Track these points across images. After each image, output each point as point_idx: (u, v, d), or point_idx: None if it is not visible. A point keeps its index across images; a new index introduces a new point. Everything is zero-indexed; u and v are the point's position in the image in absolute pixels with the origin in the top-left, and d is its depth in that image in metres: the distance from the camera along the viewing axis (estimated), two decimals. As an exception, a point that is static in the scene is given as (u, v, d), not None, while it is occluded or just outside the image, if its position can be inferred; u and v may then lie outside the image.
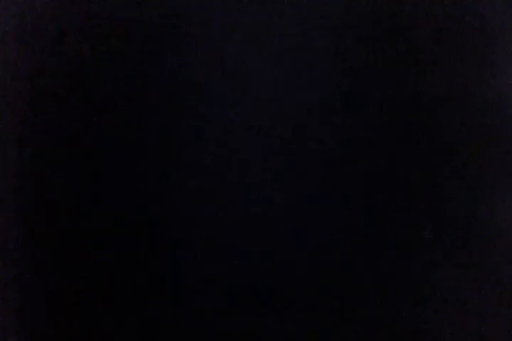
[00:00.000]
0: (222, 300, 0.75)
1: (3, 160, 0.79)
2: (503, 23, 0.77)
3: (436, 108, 0.76)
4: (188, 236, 0.75)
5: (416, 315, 0.75)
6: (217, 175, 0.76)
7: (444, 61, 0.77)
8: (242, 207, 0.75)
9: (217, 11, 0.76)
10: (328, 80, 0.76)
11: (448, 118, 0.76)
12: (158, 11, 0.77)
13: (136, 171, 0.76)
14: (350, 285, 0.75)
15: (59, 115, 0.78)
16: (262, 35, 0.76)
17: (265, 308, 0.75)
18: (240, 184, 0.75)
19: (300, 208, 0.75)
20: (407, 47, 0.76)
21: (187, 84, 0.76)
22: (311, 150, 0.75)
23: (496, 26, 0.77)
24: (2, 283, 0.78)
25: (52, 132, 0.78)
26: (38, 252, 0.78)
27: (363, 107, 0.76)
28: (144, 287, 0.76)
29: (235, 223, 0.75)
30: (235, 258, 0.75)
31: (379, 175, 0.75)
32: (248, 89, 0.76)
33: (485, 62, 0.77)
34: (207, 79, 0.76)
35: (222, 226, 0.75)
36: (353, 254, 0.75)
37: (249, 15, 0.76)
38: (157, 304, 0.75)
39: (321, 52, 0.76)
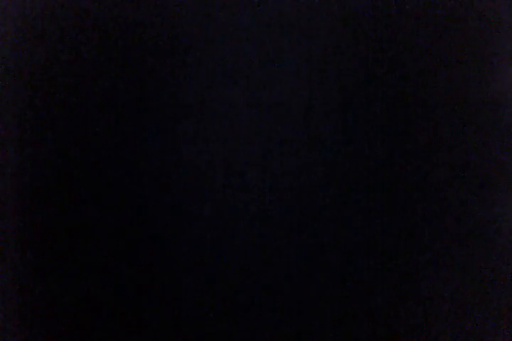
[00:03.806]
0: (221, 300, 0.75)
1: (3, 160, 0.79)
2: (503, 23, 0.78)
3: (436, 108, 0.76)
4: (187, 237, 0.76)
5: (415, 315, 0.75)
6: (216, 175, 0.76)
7: (445, 61, 0.77)
8: (241, 206, 0.75)
9: (217, 11, 0.76)
10: (328, 80, 0.76)
11: (448, 118, 0.76)
12: (158, 10, 0.77)
13: (136, 171, 0.76)
14: (349, 285, 0.75)
15: (59, 115, 0.78)
16: (262, 35, 0.76)
17: (265, 309, 0.75)
18: (239, 184, 0.75)
19: (299, 208, 0.75)
20: (407, 47, 0.76)
21: (187, 84, 0.76)
22: (311, 150, 0.75)
23: (496, 26, 0.77)
24: (2, 283, 0.78)
25: (52, 132, 0.78)
26: (38, 252, 0.78)
27: (363, 107, 0.76)
28: (145, 287, 0.76)
29: (233, 223, 0.75)
30: (233, 259, 0.75)
31: (378, 175, 0.76)
32: (248, 89, 0.76)
33: (485, 62, 0.77)
34: (207, 80, 0.76)
35: (221, 226, 0.75)
36: (352, 254, 0.75)
37: (248, 14, 0.76)
38: (157, 304, 0.76)
39: (321, 52, 0.76)
